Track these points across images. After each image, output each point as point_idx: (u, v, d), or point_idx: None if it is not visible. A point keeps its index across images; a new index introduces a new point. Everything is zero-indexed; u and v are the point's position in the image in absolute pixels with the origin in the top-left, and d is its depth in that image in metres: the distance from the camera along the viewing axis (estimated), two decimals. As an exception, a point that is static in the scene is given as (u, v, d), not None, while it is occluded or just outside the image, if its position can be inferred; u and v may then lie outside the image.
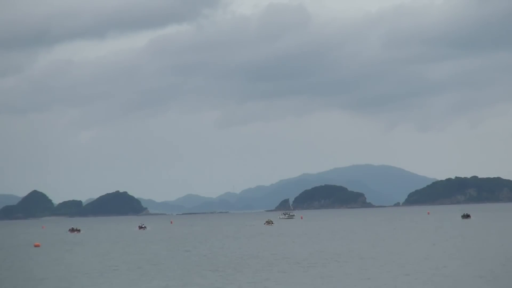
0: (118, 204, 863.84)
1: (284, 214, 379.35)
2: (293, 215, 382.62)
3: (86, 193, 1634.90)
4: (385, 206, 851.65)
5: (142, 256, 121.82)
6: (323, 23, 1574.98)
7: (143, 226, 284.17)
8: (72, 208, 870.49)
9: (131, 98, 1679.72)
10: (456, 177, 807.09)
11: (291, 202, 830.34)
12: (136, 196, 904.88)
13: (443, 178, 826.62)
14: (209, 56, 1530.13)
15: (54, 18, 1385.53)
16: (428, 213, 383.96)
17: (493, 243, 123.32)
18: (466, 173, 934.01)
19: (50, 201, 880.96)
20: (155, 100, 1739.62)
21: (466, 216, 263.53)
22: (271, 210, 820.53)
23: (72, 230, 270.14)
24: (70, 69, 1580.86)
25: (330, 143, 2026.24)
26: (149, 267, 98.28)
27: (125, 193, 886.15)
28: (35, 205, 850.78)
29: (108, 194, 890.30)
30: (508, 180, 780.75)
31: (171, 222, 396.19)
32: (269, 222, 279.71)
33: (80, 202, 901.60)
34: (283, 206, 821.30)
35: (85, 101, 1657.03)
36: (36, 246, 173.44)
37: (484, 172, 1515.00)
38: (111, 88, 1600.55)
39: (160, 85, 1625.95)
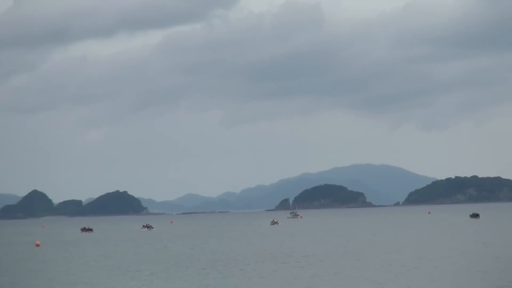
0: (118, 204, 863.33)
1: (291, 214, 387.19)
2: (298, 214, 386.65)
3: (86, 193, 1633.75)
4: (385, 206, 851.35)
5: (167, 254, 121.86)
6: (337, 23, 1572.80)
7: (148, 225, 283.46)
8: (72, 208, 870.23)
9: (139, 97, 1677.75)
10: (456, 176, 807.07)
11: (291, 201, 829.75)
12: (136, 195, 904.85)
13: (443, 178, 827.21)
14: (220, 55, 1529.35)
15: (69, 17, 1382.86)
16: (429, 213, 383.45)
17: None
18: (466, 173, 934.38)
19: (50, 200, 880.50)
20: (164, 99, 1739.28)
21: (475, 215, 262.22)
22: (271, 210, 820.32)
23: (84, 229, 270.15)
24: (82, 67, 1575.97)
25: (331, 142, 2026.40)
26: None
27: (125, 192, 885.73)
28: (35, 204, 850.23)
29: (108, 194, 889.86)
30: (508, 180, 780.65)
31: (171, 222, 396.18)
32: (274, 222, 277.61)
33: (80, 201, 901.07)
34: (283, 205, 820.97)
35: (93, 100, 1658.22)
36: (36, 245, 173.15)
37: (484, 171, 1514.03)
38: (120, 86, 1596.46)
39: (169, 84, 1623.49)
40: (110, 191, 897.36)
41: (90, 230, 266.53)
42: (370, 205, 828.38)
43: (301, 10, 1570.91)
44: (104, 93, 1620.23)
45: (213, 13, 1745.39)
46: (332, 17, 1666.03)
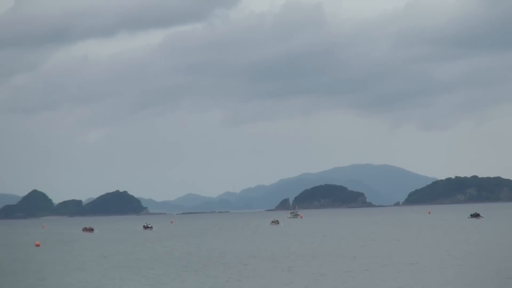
0: (118, 204, 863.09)
1: (291, 214, 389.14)
2: (298, 214, 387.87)
3: (86, 193, 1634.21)
4: (385, 206, 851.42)
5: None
6: (338, 23, 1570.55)
7: (148, 225, 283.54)
8: (72, 208, 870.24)
9: (139, 97, 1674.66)
10: (456, 176, 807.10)
11: (291, 201, 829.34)
12: (136, 195, 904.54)
13: (443, 178, 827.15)
14: (221, 55, 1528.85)
15: (70, 16, 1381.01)
16: (429, 213, 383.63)
17: None
18: (466, 173, 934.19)
19: (50, 200, 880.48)
20: (164, 99, 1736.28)
21: (476, 215, 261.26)
22: (271, 210, 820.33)
23: (86, 229, 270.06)
24: (83, 67, 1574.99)
25: (331, 142, 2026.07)
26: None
27: (125, 192, 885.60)
28: (35, 204, 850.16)
29: (108, 194, 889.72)
30: (508, 180, 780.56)
31: (171, 222, 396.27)
32: (275, 222, 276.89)
33: (80, 201, 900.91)
34: (283, 205, 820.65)
35: (94, 100, 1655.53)
36: (36, 245, 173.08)
37: (484, 171, 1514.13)
38: (121, 86, 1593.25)
39: (170, 83, 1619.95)
40: (110, 191, 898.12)
41: (91, 230, 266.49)
42: (370, 205, 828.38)
43: (302, 10, 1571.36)
44: (105, 93, 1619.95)
45: (214, 13, 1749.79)
46: (333, 17, 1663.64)
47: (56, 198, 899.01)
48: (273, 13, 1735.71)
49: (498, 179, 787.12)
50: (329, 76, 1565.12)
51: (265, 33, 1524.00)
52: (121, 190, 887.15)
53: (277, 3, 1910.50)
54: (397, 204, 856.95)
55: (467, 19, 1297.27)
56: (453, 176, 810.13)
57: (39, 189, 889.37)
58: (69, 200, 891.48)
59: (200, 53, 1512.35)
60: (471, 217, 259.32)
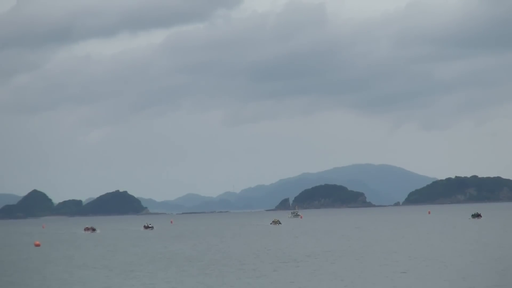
0: (118, 204, 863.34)
1: (292, 213, 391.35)
2: (299, 214, 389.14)
3: (86, 193, 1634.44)
4: (385, 206, 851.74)
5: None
6: (339, 22, 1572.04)
7: (149, 225, 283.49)
8: (72, 208, 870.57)
9: (141, 97, 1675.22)
10: (456, 176, 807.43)
11: (291, 201, 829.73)
12: (136, 195, 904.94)
13: (443, 178, 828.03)
14: (223, 55, 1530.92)
15: (72, 16, 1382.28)
16: (429, 213, 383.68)
17: None
18: (466, 173, 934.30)
19: (50, 200, 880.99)
20: (166, 99, 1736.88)
21: (477, 215, 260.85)
22: (271, 210, 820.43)
23: (87, 229, 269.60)
24: (84, 67, 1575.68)
25: (331, 142, 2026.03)
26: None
27: (125, 192, 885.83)
28: (35, 204, 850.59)
29: (108, 194, 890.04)
30: (508, 180, 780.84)
31: (171, 222, 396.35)
32: (276, 222, 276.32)
33: (80, 201, 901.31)
34: (283, 205, 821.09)
35: (95, 100, 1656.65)
36: (36, 245, 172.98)
37: (484, 171, 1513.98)
38: (122, 86, 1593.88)
39: (171, 83, 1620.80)
40: (110, 191, 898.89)
41: (93, 229, 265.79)
42: (370, 205, 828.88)
43: (304, 10, 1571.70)
44: (106, 93, 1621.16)
45: (216, 13, 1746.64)
46: (335, 17, 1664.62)
47: (56, 198, 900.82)
48: (275, 13, 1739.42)
49: (498, 179, 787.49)
50: (330, 76, 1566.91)
51: (267, 33, 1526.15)
52: (121, 190, 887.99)
53: (279, 3, 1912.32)
54: (397, 204, 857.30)
55: (468, 19, 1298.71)
56: (453, 176, 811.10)
57: (39, 189, 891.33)
58: (69, 200, 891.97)
59: (202, 53, 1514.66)
60: (473, 217, 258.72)
